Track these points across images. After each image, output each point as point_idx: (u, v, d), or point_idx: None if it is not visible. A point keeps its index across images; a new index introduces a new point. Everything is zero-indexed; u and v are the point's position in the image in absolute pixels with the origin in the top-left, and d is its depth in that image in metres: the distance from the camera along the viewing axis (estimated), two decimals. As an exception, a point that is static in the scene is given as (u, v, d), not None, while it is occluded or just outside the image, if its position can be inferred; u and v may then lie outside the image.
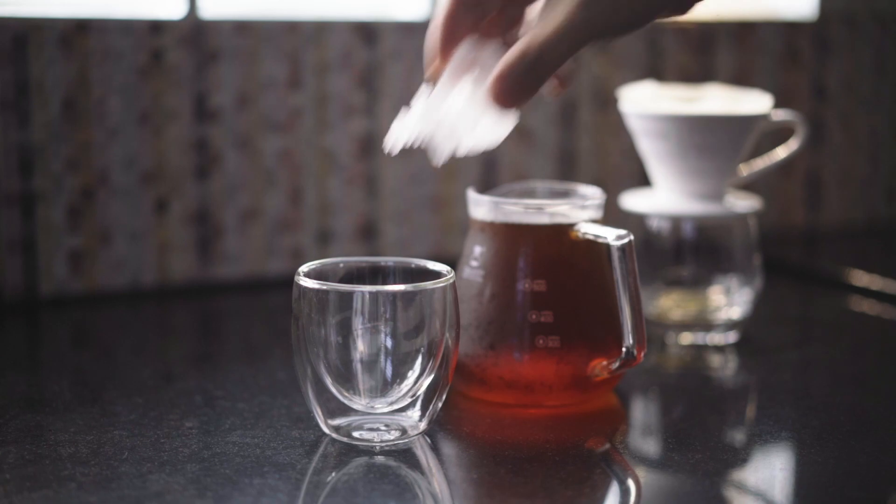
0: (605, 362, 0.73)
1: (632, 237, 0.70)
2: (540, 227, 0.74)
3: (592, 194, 0.78)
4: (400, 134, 0.65)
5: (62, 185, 1.02)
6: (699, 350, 0.89)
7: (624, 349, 0.71)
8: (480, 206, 0.76)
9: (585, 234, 0.73)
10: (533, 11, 0.67)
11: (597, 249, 0.74)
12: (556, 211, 0.74)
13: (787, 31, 1.30)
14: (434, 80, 0.66)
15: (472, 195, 0.77)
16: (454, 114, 0.64)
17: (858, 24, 1.33)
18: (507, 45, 0.66)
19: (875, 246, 1.33)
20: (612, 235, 0.71)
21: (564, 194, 0.80)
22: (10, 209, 1.00)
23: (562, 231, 0.74)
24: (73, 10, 1.03)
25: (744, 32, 1.27)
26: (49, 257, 1.02)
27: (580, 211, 0.75)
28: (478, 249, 0.75)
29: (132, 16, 1.04)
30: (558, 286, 0.73)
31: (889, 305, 1.04)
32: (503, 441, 0.70)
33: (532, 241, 0.74)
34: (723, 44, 1.26)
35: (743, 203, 0.92)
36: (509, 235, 0.74)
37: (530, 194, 0.81)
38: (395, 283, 0.70)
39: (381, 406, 0.67)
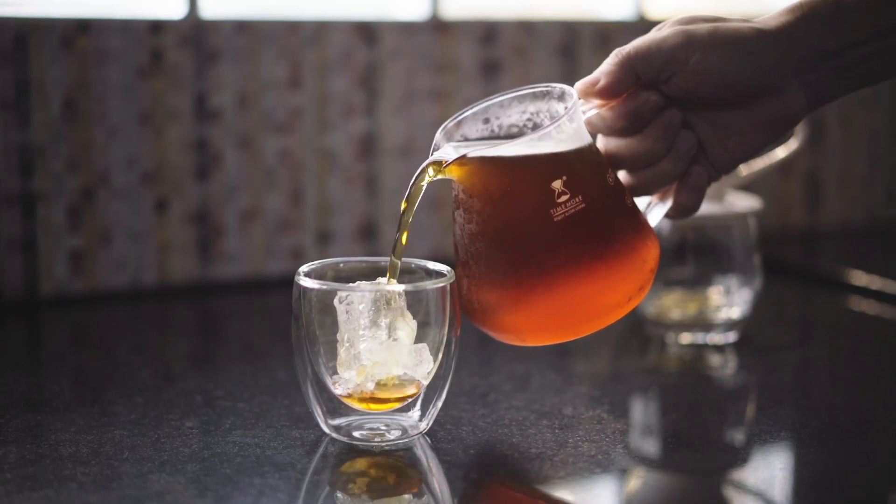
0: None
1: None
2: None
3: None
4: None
5: (62, 185, 1.02)
6: (699, 350, 0.89)
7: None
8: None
9: None
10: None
11: None
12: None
13: (786, 31, 1.29)
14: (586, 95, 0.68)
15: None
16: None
17: (858, 24, 1.33)
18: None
19: (875, 246, 1.33)
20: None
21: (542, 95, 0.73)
22: (10, 209, 1.00)
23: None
24: (73, 10, 1.03)
25: (744, 32, 1.27)
26: (49, 257, 1.02)
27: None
28: (558, 184, 0.68)
29: (132, 16, 1.04)
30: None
31: (889, 305, 1.04)
32: (503, 441, 0.70)
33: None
34: (723, 44, 1.26)
35: (743, 203, 0.92)
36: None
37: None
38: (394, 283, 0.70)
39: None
